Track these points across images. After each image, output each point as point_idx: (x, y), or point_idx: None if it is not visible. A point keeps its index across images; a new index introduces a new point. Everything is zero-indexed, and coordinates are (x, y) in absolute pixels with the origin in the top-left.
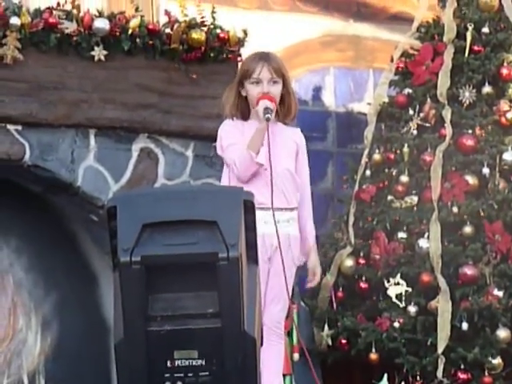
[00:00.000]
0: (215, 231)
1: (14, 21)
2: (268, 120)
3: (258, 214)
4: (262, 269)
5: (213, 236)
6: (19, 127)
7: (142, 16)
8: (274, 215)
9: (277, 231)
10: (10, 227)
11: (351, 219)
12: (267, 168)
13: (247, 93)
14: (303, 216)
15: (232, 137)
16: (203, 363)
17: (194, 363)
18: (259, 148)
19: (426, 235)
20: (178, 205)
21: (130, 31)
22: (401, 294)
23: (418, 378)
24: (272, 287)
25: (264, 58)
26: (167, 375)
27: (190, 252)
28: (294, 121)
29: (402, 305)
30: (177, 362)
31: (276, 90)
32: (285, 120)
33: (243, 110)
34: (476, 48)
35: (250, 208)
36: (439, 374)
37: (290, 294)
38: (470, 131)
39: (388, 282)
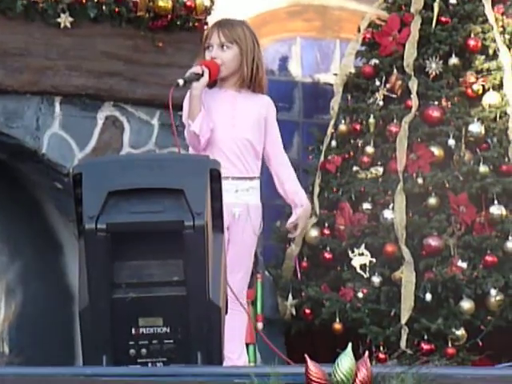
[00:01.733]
0: (181, 199)
1: None
2: (178, 85)
3: None
4: None
5: (179, 204)
6: None
7: None
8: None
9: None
10: None
11: (316, 190)
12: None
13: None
14: (282, 180)
15: (186, 109)
16: (168, 331)
17: (158, 331)
18: (195, 115)
19: (390, 206)
20: (144, 173)
21: None
22: (365, 264)
23: (382, 348)
24: (231, 257)
25: (218, 23)
26: (132, 343)
27: (156, 220)
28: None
29: (366, 275)
30: (141, 330)
31: (227, 55)
32: (248, 89)
33: None
34: (443, 19)
35: (216, 177)
36: (402, 344)
37: (252, 262)
38: (436, 103)
39: (352, 252)
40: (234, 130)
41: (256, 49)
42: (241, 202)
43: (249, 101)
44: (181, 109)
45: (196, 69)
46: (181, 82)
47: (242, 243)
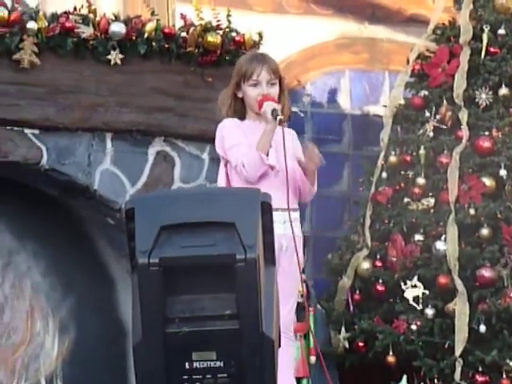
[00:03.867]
0: (233, 233)
1: (31, 25)
2: (280, 121)
3: None
4: None
5: (230, 237)
6: (36, 131)
7: (157, 20)
8: (290, 216)
9: (293, 232)
10: (27, 231)
11: (367, 221)
12: (279, 170)
13: (244, 94)
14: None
15: (236, 136)
16: (221, 365)
17: (212, 365)
18: (268, 149)
19: (442, 237)
20: (196, 206)
21: (145, 35)
22: (418, 296)
23: (436, 380)
24: (281, 289)
25: (262, 59)
26: (185, 377)
27: (208, 254)
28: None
29: (419, 307)
30: (195, 364)
31: (274, 91)
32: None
33: (239, 112)
34: (492, 50)
35: (267, 209)
36: (457, 376)
37: (297, 295)
38: (486, 133)
39: (405, 284)
40: (278, 162)
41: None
42: (288, 233)
43: (286, 133)
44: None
45: (276, 105)
46: (281, 118)
47: (290, 275)
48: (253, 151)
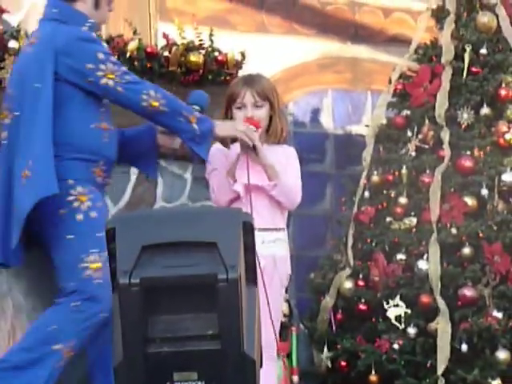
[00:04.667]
0: (215, 253)
1: (12, 44)
2: (248, 147)
3: None
4: None
5: (212, 257)
6: None
7: (139, 39)
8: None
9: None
10: None
11: (350, 241)
12: (244, 197)
13: (233, 117)
14: None
15: (215, 161)
16: None
17: None
18: (234, 173)
19: (425, 257)
20: (177, 226)
21: (128, 54)
22: (400, 315)
23: None
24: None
25: (247, 82)
26: None
27: (189, 274)
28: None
29: (402, 326)
30: None
31: (261, 113)
32: (274, 141)
33: None
34: (474, 69)
35: (248, 229)
36: None
37: (281, 315)
38: (468, 152)
39: (387, 303)
40: (257, 187)
41: (280, 101)
42: (267, 253)
43: (273, 154)
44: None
45: (250, 128)
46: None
47: (271, 294)
48: (221, 176)
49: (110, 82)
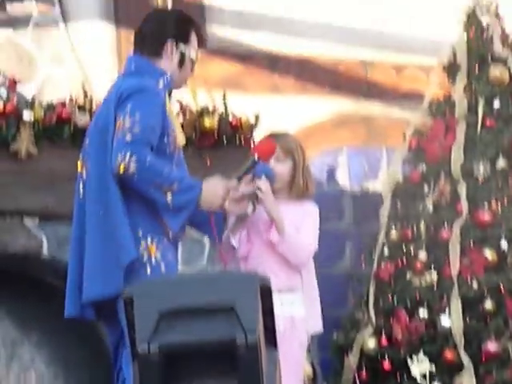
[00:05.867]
0: (233, 317)
1: (27, 115)
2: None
3: None
4: None
5: (230, 322)
6: (35, 220)
7: None
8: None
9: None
10: (30, 321)
11: (371, 299)
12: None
13: None
14: None
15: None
16: None
17: None
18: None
19: (447, 311)
20: (195, 292)
21: None
22: (424, 372)
23: None
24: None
25: (273, 137)
26: None
27: (208, 339)
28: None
29: (427, 383)
30: None
31: (282, 168)
32: (296, 198)
33: None
34: (488, 122)
35: (266, 292)
36: None
37: (302, 377)
38: (486, 205)
39: (411, 360)
40: (271, 246)
41: (305, 159)
42: (286, 315)
43: (290, 210)
44: None
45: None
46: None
47: (290, 357)
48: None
49: None
